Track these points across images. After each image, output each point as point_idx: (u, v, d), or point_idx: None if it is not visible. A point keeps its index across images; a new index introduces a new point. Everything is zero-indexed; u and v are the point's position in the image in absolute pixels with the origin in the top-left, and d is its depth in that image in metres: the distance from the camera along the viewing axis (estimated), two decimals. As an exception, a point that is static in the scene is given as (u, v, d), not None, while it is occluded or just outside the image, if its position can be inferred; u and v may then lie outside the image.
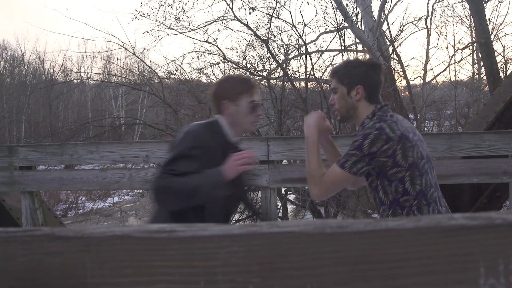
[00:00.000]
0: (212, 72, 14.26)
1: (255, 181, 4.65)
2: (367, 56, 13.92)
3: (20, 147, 5.19)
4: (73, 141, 11.66)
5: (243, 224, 0.64)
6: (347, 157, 2.35)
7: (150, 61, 22.16)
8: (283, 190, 11.00)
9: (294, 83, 13.08)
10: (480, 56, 16.84)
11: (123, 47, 14.67)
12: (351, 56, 15.08)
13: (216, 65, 14.09)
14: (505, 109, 5.17)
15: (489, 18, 15.45)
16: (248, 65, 13.41)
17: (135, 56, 15.29)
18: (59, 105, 41.84)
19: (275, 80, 13.54)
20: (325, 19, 15.71)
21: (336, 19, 14.28)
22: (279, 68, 12.92)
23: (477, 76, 20.40)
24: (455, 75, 20.06)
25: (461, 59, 18.06)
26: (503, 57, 16.73)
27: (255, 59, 13.80)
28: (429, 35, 17.85)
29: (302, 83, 13.23)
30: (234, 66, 13.88)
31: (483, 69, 17.25)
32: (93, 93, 39.79)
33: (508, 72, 15.24)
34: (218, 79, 3.44)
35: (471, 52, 18.60)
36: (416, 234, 0.51)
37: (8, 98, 39.71)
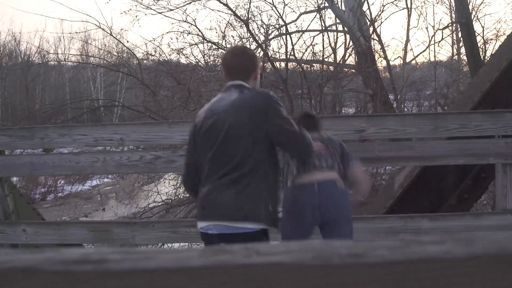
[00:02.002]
0: (192, 53, 13.98)
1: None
2: (347, 36, 13.72)
3: (-13, 131, 4.93)
4: (51, 124, 11.35)
5: (207, 249, 0.44)
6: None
7: (128, 41, 21.70)
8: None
9: (274, 63, 12.91)
10: (459, 36, 16.78)
11: (100, 28, 14.31)
12: (331, 36, 14.87)
13: (195, 45, 13.83)
14: (491, 88, 5.03)
15: (469, -2, 15.32)
16: (228, 46, 13.15)
17: (113, 36, 14.95)
18: (36, 88, 41.04)
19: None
20: (306, -1, 15.43)
21: (316, -2, 14.02)
22: (259, 49, 12.71)
23: (456, 56, 20.36)
24: (435, 56, 19.97)
25: (441, 40, 17.95)
26: (482, 37, 16.69)
27: (234, 40, 13.54)
28: (409, 15, 17.72)
29: (283, 64, 13.07)
30: (214, 46, 13.62)
31: (462, 50, 17.23)
32: (70, 75, 39.05)
33: (488, 52, 15.22)
34: (234, 49, 3.40)
35: (451, 32, 18.54)
36: (470, 265, 0.33)
37: (-17, 81, 38.84)
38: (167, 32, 13.93)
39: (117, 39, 15.23)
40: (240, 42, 13.27)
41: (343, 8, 13.41)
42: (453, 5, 15.84)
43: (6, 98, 39.00)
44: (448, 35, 18.62)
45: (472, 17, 15.08)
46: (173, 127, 4.55)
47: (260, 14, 13.92)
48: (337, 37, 15.64)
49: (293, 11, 22.25)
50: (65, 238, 4.85)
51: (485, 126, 4.23)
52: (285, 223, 3.08)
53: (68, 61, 19.52)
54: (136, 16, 14.06)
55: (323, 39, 14.28)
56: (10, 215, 5.02)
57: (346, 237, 3.13)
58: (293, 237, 3.06)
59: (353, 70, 14.42)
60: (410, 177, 5.18)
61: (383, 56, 15.31)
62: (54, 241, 5.04)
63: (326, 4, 13.57)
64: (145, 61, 14.87)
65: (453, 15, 17.02)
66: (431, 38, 17.97)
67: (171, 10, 13.58)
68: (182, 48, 13.79)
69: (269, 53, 12.99)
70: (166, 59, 14.33)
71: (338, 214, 3.17)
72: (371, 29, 14.15)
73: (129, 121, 11.45)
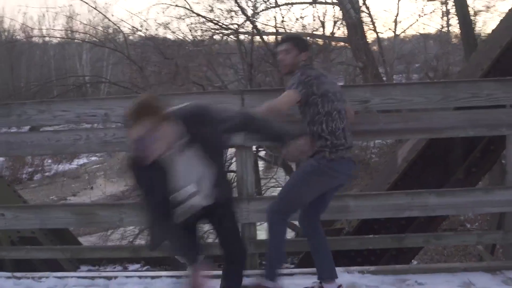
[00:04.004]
0: (179, 27, 13.60)
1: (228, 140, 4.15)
2: (337, 9, 13.36)
3: (-47, 109, 4.53)
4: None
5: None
6: (290, 85, 3.35)
7: (113, 15, 21.22)
8: (254, 147, 10.59)
9: (264, 37, 12.60)
10: (448, 8, 16.45)
11: (85, 2, 13.90)
12: (320, 9, 14.49)
13: (182, 19, 13.45)
14: (501, 55, 4.72)
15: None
16: (216, 19, 12.79)
17: (97, 11, 14.51)
18: (21, 66, 40.25)
19: (244, 35, 12.96)
20: (296, -31, 14.94)
21: (307, -32, 13.62)
22: (248, 22, 12.36)
23: (445, 29, 20.05)
24: (424, 28, 19.63)
25: (432, 11, 17.60)
26: (473, 8, 16.37)
27: (222, 12, 13.12)
28: (399, -14, 17.30)
29: (272, 37, 12.76)
30: (201, 20, 13.24)
31: (452, 22, 16.93)
32: (55, 52, 38.37)
33: (479, 24, 14.92)
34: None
35: (441, 4, 18.22)
36: None
37: (-33, 59, 38.00)
38: (154, 5, 13.49)
39: (102, 14, 14.77)
40: (228, 15, 12.87)
41: (333, -22, 13.05)
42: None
43: (-10, 77, 38.20)
44: (438, 8, 18.27)
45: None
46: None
47: (248, -14, 13.47)
48: (326, 10, 15.27)
49: (283, -18, 21.81)
50: (47, 222, 4.52)
51: (497, 95, 3.94)
52: None
53: (52, 37, 19.00)
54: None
55: (313, 12, 13.92)
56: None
57: None
58: None
59: (343, 43, 14.13)
60: (415, 151, 4.89)
61: (373, 28, 14.97)
62: (35, 225, 4.72)
63: (316, -24, 13.19)
64: (131, 36, 14.49)
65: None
66: (421, 10, 17.61)
67: (157, -19, 13.11)
68: (169, 23, 13.40)
69: (258, 26, 12.62)
70: (152, 34, 13.95)
71: None
72: (360, 0, 13.79)
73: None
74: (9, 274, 4.38)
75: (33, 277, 4.24)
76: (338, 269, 3.55)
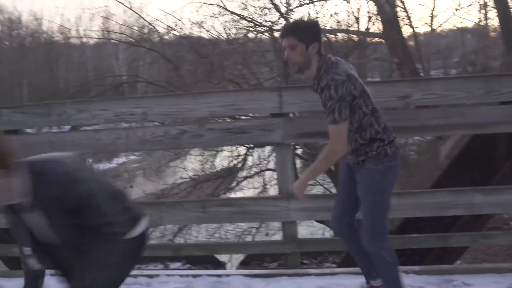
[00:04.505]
0: (213, 26, 13.62)
1: (267, 137, 4.12)
2: (371, 4, 13.15)
3: (3, 109, 4.62)
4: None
5: None
6: (332, 112, 2.86)
7: (148, 15, 21.43)
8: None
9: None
10: (485, 1, 16.00)
11: (120, 2, 14.05)
12: (354, 4, 14.30)
13: (216, 17, 13.44)
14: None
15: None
16: (250, 17, 12.75)
17: (132, 11, 14.66)
18: (59, 67, 41.08)
19: (278, 32, 12.88)
20: (331, -36, 14.82)
21: (341, -37, 13.41)
22: (282, 19, 12.27)
23: (483, 22, 19.53)
24: (461, 22, 19.17)
25: (469, 5, 17.14)
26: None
27: (256, 10, 13.07)
28: (434, -21, 16.94)
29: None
30: (235, 17, 13.22)
31: (489, 14, 16.47)
32: (92, 53, 39.03)
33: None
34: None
35: (478, -4, 17.73)
36: None
37: (8, 62, 38.99)
38: (188, 4, 13.51)
39: (137, 13, 14.92)
40: (262, 12, 12.82)
41: (367, -27, 12.83)
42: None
43: (31, 78, 39.08)
44: (476, 0, 17.80)
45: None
46: (198, 98, 4.20)
47: (282, -17, 13.38)
48: (360, 5, 15.03)
49: (316, -22, 21.63)
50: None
51: (546, 88, 3.80)
52: None
53: (89, 38, 19.29)
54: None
55: (347, 7, 13.74)
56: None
57: None
58: None
59: (378, 39, 13.91)
60: (458, 147, 4.75)
61: (408, 23, 14.68)
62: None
63: (350, -30, 12.98)
64: (166, 36, 14.57)
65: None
66: (458, 3, 17.20)
67: (191, -20, 13.13)
68: (203, 21, 13.42)
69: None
70: (187, 33, 14.00)
71: None
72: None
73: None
74: (53, 272, 4.44)
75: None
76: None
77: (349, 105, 2.86)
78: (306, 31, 2.98)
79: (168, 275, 4.07)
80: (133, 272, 4.28)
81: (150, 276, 4.14)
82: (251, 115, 5.18)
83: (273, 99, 4.04)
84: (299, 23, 3.20)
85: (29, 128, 4.93)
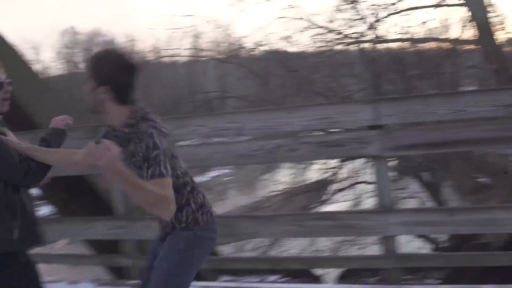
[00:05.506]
0: (300, 40, 13.64)
1: (363, 150, 4.05)
2: (463, 10, 12.61)
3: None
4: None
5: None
6: (156, 165, 2.23)
7: (236, 32, 21.86)
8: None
9: (386, 44, 12.28)
10: None
11: (209, 21, 14.45)
12: (445, 12, 13.80)
13: (304, 31, 13.47)
14: None
15: None
16: (337, 29, 12.68)
17: (221, 28, 15.03)
18: (152, 85, 42.66)
19: (366, 43, 12.71)
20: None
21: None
22: (370, 30, 12.11)
23: None
24: None
25: None
26: None
27: (343, 22, 12.98)
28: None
29: (395, 44, 12.39)
30: (322, 31, 13.19)
31: None
32: (183, 71, 40.29)
33: None
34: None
35: None
36: None
37: (105, 82, 40.86)
38: (275, 19, 13.65)
39: (225, 31, 15.27)
40: (349, 24, 12.71)
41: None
42: None
43: (126, 97, 40.74)
44: None
45: None
46: (292, 112, 4.21)
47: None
48: (451, 12, 14.50)
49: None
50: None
51: None
52: None
53: (180, 57, 19.94)
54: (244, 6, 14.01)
55: (437, 15, 13.31)
56: (132, 210, 4.96)
57: None
58: None
59: (471, 46, 13.35)
60: None
61: (503, 28, 13.98)
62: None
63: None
64: (254, 51, 14.77)
65: None
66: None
67: (277, -4, 13.27)
68: (290, 36, 13.49)
69: (380, 33, 12.33)
70: (275, 48, 14.13)
71: None
72: (488, 1, 12.95)
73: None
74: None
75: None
76: (487, 287, 3.29)
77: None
78: (99, 67, 2.42)
79: (267, 289, 4.09)
80: (233, 284, 4.38)
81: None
82: (344, 128, 5.13)
83: (368, 111, 3.97)
84: (99, 55, 2.50)
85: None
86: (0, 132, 2.62)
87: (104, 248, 5.82)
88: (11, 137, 2.64)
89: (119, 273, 5.52)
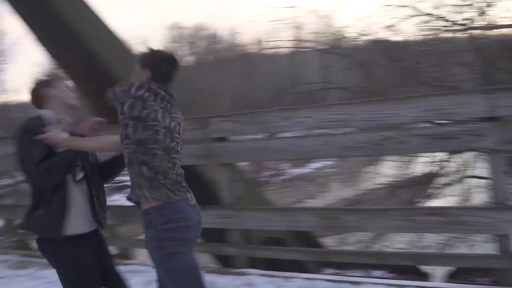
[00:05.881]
0: (405, 28, 13.18)
1: (477, 142, 3.85)
2: None
3: (213, 118, 5.00)
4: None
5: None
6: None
7: (338, 21, 21.58)
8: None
9: (498, 31, 11.57)
10: None
11: (310, 12, 14.35)
12: None
13: (408, 19, 13.00)
14: None
15: None
16: (444, 16, 12.12)
17: (323, 18, 14.89)
18: (256, 77, 43.29)
19: (476, 30, 12.06)
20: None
21: None
22: (480, 16, 11.46)
23: None
24: None
25: None
26: None
27: (451, 8, 12.38)
28: None
29: (509, 30, 11.64)
30: (429, 18, 12.67)
31: None
32: (285, 62, 40.44)
33: None
34: None
35: None
36: None
37: (210, 74, 42.20)
38: (381, 7, 13.29)
39: (327, 21, 15.11)
40: (458, 10, 12.10)
41: None
42: None
43: (230, 89, 41.80)
44: None
45: None
46: (402, 103, 4.09)
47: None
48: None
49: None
50: (294, 224, 4.72)
51: None
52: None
53: (282, 48, 20.00)
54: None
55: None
56: (239, 200, 5.06)
57: None
58: None
59: None
60: None
61: None
62: (283, 227, 4.96)
63: None
64: (357, 41, 14.50)
65: None
66: None
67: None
68: (394, 24, 13.08)
69: (491, 19, 11.64)
70: (379, 37, 13.78)
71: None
72: None
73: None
74: (261, 272, 4.68)
75: (283, 277, 4.45)
76: None
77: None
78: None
79: (373, 283, 4.02)
80: (337, 278, 4.34)
81: (354, 283, 4.14)
82: (455, 120, 4.90)
83: (484, 102, 3.77)
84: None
85: (236, 136, 5.25)
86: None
87: (209, 236, 6.00)
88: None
89: (224, 261, 5.67)
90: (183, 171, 2.79)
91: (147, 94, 2.68)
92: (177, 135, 2.74)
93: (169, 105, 2.77)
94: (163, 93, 2.74)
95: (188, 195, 2.78)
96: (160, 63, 2.80)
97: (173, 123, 2.73)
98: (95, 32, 6.66)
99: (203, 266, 5.14)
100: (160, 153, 2.65)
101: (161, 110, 2.69)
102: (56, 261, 2.81)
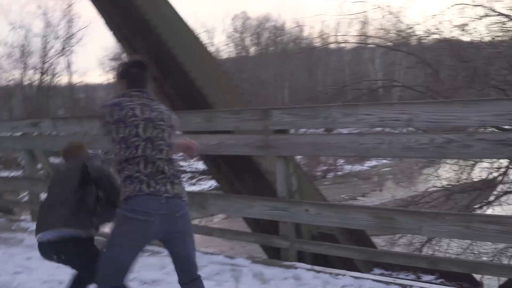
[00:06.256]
0: (476, 28, 12.71)
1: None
2: None
3: (274, 110, 5.01)
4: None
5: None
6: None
7: (406, 19, 21.07)
8: None
9: None
10: None
11: (378, 7, 14.10)
12: None
13: (480, 19, 12.54)
14: None
15: None
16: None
17: (391, 15, 14.58)
18: (318, 71, 43.11)
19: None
20: None
21: None
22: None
23: None
24: None
25: None
26: None
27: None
28: None
29: None
30: (503, 19, 12.19)
31: None
32: (350, 57, 40.06)
33: None
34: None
35: None
36: None
37: (272, 66, 42.30)
38: (453, 5, 12.88)
39: (395, 18, 14.78)
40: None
41: None
42: None
43: (292, 81, 41.80)
44: None
45: None
46: (469, 106, 3.96)
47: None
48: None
49: None
50: (346, 222, 4.68)
51: None
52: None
53: (347, 43, 19.78)
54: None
55: None
56: (294, 194, 5.06)
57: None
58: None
59: None
60: None
61: None
62: (335, 224, 4.92)
63: None
64: (425, 40, 14.15)
65: None
66: None
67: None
68: (466, 24, 12.66)
69: None
70: (447, 36, 13.39)
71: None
72: None
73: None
74: (309, 266, 4.67)
75: (331, 273, 4.43)
76: None
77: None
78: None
79: (422, 288, 3.95)
80: (386, 279, 4.28)
81: (403, 286, 4.08)
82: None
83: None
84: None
85: (296, 129, 5.24)
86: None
87: (259, 227, 6.04)
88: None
89: (273, 253, 5.68)
90: (175, 157, 3.09)
91: (122, 99, 3.03)
92: (161, 123, 3.02)
93: (149, 99, 3.09)
94: (137, 93, 3.07)
95: (166, 187, 2.94)
96: (129, 69, 3.19)
97: (154, 113, 3.02)
98: (164, 18, 6.78)
99: (252, 256, 5.21)
100: (143, 143, 2.93)
101: (139, 106, 2.99)
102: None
